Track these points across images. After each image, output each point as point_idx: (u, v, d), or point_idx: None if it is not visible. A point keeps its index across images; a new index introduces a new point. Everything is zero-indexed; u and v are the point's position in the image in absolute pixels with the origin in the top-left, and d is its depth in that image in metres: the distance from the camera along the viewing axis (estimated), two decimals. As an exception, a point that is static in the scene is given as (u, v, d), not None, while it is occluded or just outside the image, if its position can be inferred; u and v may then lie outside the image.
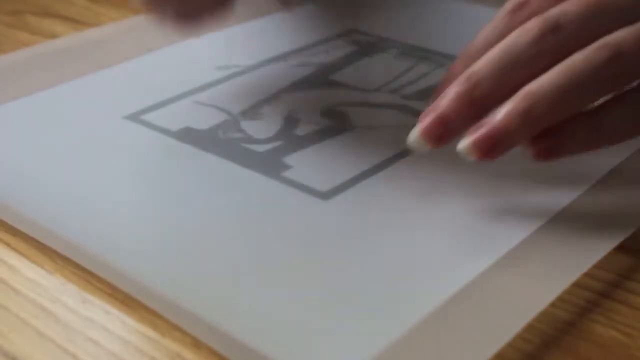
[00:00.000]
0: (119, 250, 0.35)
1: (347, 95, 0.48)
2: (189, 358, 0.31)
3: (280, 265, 0.34)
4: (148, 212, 0.38)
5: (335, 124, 0.45)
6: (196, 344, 0.31)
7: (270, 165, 0.41)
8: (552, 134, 0.35)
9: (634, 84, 0.35)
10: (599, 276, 0.34)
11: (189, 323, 0.31)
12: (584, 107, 0.35)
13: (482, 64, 0.35)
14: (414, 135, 0.36)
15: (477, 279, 0.33)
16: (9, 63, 0.52)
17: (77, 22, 0.60)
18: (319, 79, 0.50)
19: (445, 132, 0.35)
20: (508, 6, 0.37)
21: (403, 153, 0.41)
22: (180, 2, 0.42)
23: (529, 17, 0.36)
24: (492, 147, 0.34)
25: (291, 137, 0.43)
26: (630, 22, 0.34)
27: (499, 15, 0.37)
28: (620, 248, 0.35)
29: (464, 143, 0.34)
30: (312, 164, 0.41)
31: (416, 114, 0.37)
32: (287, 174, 0.40)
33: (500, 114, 0.34)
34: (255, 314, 0.31)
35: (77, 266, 0.35)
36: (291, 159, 0.41)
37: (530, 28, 0.35)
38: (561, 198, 0.37)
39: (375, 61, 0.52)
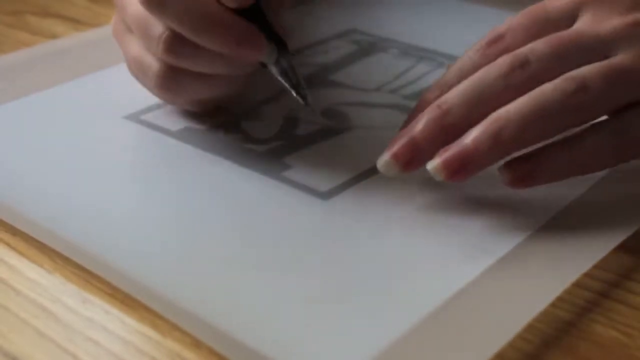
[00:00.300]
0: (119, 250, 0.35)
1: (347, 95, 0.48)
2: (189, 358, 0.31)
3: (280, 265, 0.34)
4: (148, 212, 0.38)
5: (335, 124, 0.45)
6: (196, 344, 0.31)
7: (270, 165, 0.41)
8: (527, 161, 0.35)
9: (604, 116, 0.36)
10: (599, 276, 0.34)
11: (189, 323, 0.31)
12: (552, 135, 0.35)
13: (454, 94, 0.36)
14: (383, 158, 0.36)
15: (477, 279, 0.33)
16: (9, 63, 0.52)
17: (77, 22, 0.60)
18: (319, 79, 0.50)
19: (414, 156, 0.36)
20: (484, 39, 0.39)
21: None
22: (193, 94, 0.43)
23: (502, 51, 0.37)
24: (461, 168, 0.35)
25: (291, 137, 0.43)
26: (592, 60, 0.36)
27: (474, 48, 0.39)
28: (620, 248, 0.35)
29: (434, 162, 0.35)
30: (312, 164, 0.41)
31: (416, 114, 0.37)
32: (287, 174, 0.40)
33: (470, 136, 0.35)
34: (255, 314, 0.31)
35: (77, 266, 0.35)
36: (291, 159, 0.41)
37: (500, 63, 0.36)
38: (561, 198, 0.37)
39: (375, 61, 0.52)
